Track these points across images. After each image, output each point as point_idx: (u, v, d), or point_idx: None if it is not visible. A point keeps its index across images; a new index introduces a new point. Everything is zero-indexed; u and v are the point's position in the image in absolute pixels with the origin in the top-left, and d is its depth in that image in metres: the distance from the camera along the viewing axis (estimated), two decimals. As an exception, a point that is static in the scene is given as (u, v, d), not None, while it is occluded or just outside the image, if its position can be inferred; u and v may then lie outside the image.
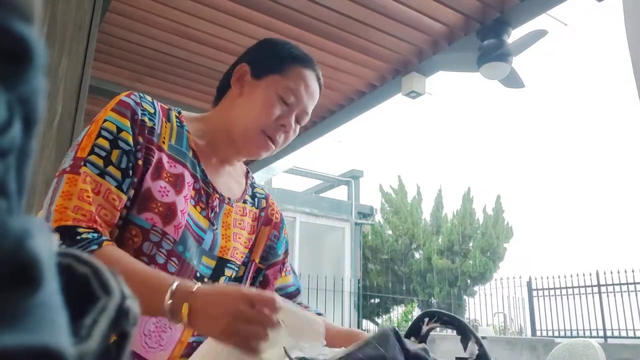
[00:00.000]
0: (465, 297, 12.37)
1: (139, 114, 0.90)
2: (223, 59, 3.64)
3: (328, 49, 3.50)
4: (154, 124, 0.92)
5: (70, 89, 1.98)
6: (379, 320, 12.94)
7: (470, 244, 12.79)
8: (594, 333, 9.01)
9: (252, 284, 1.08)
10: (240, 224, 1.05)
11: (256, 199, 1.12)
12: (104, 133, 0.85)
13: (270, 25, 3.27)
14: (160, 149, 0.92)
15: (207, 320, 0.68)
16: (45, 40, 2.08)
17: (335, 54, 3.57)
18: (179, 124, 0.98)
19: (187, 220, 0.92)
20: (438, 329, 0.90)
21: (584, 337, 8.50)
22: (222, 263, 0.99)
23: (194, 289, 0.70)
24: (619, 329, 8.80)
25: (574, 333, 9.29)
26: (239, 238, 1.04)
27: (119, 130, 0.86)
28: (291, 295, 1.12)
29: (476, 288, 12.30)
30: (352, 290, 10.44)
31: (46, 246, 0.20)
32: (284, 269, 1.14)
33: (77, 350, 0.21)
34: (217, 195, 1.00)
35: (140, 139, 0.89)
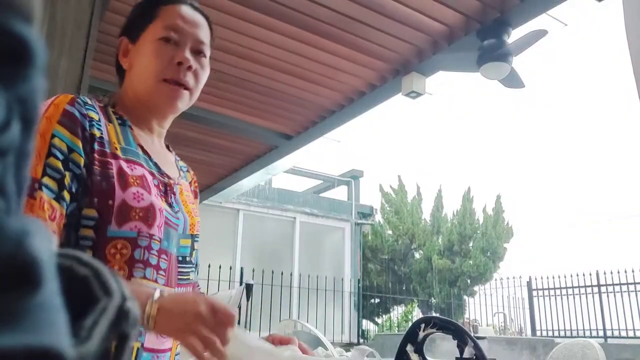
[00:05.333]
0: (465, 297, 12.36)
1: (87, 127, 0.86)
2: (222, 58, 3.64)
3: (328, 49, 3.50)
4: (102, 133, 0.89)
5: (70, 88, 1.99)
6: (379, 321, 12.94)
7: (470, 244, 12.78)
8: (594, 333, 9.01)
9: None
10: (189, 198, 1.06)
11: (184, 173, 1.11)
12: (54, 151, 0.80)
13: (271, 25, 3.27)
14: (116, 156, 0.89)
15: (169, 319, 0.71)
16: (45, 39, 2.08)
17: (335, 54, 3.57)
18: (120, 122, 0.95)
19: (165, 216, 0.92)
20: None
21: (584, 337, 8.50)
22: (193, 239, 1.01)
23: (164, 293, 0.74)
24: (619, 329, 8.80)
25: (574, 333, 9.29)
26: (195, 211, 1.06)
27: (70, 150, 0.82)
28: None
29: (476, 288, 12.30)
30: (352, 290, 10.44)
31: (46, 247, 0.20)
32: None
33: (76, 351, 0.20)
34: (172, 181, 1.00)
35: (94, 157, 0.86)
